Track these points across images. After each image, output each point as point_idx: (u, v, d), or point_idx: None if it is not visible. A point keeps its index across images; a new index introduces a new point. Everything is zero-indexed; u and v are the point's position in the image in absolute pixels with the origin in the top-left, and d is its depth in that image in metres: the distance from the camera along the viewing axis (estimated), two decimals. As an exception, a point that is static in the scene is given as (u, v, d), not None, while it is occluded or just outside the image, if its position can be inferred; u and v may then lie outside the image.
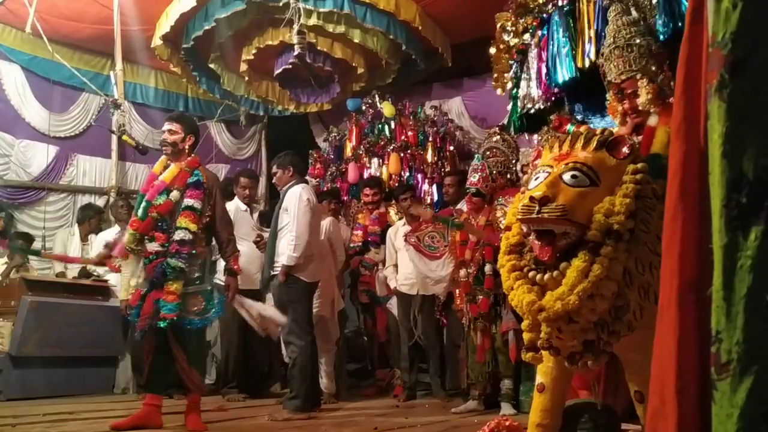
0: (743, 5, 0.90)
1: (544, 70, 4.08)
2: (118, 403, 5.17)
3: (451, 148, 7.10)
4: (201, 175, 4.01)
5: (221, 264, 4.74)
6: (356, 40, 6.77)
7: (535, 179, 2.15)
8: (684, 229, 1.27)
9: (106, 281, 6.30)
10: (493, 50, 4.51)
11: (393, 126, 7.18)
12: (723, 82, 0.92)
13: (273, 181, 4.94)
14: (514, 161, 4.67)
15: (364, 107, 7.43)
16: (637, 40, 2.86)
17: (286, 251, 4.50)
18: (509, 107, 4.58)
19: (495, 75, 4.61)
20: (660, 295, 1.36)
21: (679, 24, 3.00)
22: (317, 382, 4.85)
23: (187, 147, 4.08)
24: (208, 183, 4.04)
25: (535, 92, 4.15)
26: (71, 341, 5.70)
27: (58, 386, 5.62)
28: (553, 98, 4.13)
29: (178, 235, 3.83)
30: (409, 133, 7.05)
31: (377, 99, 7.33)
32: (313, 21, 6.47)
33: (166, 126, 4.11)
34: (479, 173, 4.50)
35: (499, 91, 4.68)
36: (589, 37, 3.75)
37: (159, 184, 3.97)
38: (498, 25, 4.41)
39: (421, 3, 6.77)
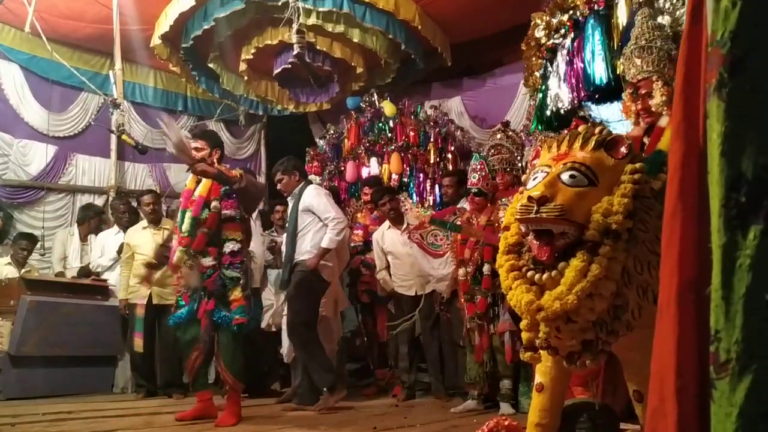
0: (742, 4, 0.90)
1: (578, 73, 4.12)
2: (118, 403, 5.18)
3: (452, 148, 7.09)
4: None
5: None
6: (355, 40, 6.77)
7: (534, 179, 2.15)
8: (683, 228, 1.27)
9: (105, 281, 6.30)
10: (524, 47, 4.54)
11: (393, 125, 7.18)
12: (722, 81, 0.92)
13: (278, 187, 5.01)
14: (519, 158, 4.67)
15: (363, 106, 7.43)
16: (658, 43, 2.90)
17: (327, 234, 4.64)
18: (536, 104, 4.60)
19: (525, 73, 4.64)
20: (659, 294, 1.36)
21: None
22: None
23: (215, 161, 4.21)
24: (239, 183, 4.16)
25: (566, 94, 4.18)
26: (70, 341, 5.71)
27: (58, 386, 5.63)
28: (583, 101, 4.18)
29: (228, 247, 4.04)
30: (411, 133, 7.05)
31: (376, 98, 7.33)
32: (312, 20, 6.47)
33: (192, 144, 4.22)
34: (479, 173, 4.50)
35: (527, 90, 4.72)
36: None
37: (198, 199, 4.11)
38: (532, 23, 4.44)
39: (421, 2, 6.77)
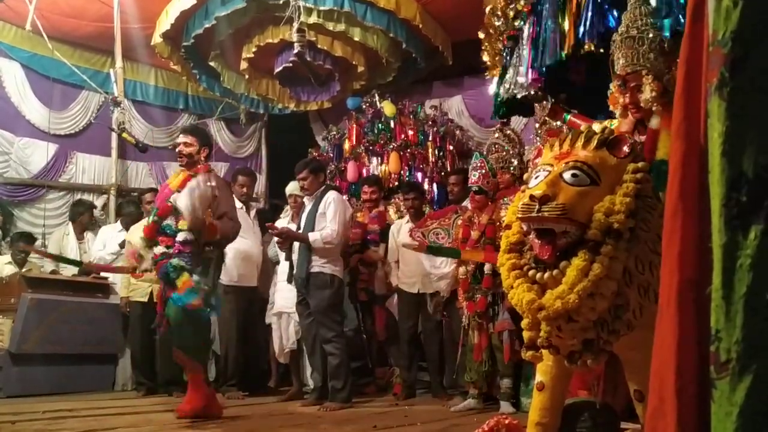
0: (744, 3, 0.90)
1: (534, 57, 3.88)
2: (118, 401, 5.18)
3: (451, 147, 7.09)
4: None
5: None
6: (356, 39, 6.77)
7: (536, 178, 2.15)
8: (684, 227, 1.27)
9: (106, 279, 6.30)
10: (482, 35, 4.42)
11: (393, 125, 7.18)
12: (723, 80, 0.92)
13: (302, 185, 5.08)
14: (516, 156, 4.66)
15: (364, 106, 7.43)
16: (650, 34, 2.73)
17: (318, 232, 4.80)
18: (494, 91, 4.50)
19: (486, 60, 4.53)
20: (660, 293, 1.36)
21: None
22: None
23: (202, 159, 4.14)
24: (216, 190, 4.04)
25: (524, 78, 4.02)
26: (71, 339, 5.71)
27: (58, 383, 5.63)
28: (541, 85, 4.03)
29: (180, 237, 3.92)
30: (410, 132, 7.05)
31: (377, 98, 7.33)
32: (313, 19, 6.47)
33: (181, 138, 4.17)
34: (479, 171, 4.51)
35: (491, 77, 4.63)
36: (576, 21, 3.62)
37: (167, 191, 4.06)
38: (487, 9, 4.29)
39: (422, 1, 6.77)
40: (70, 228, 7.06)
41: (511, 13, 4.11)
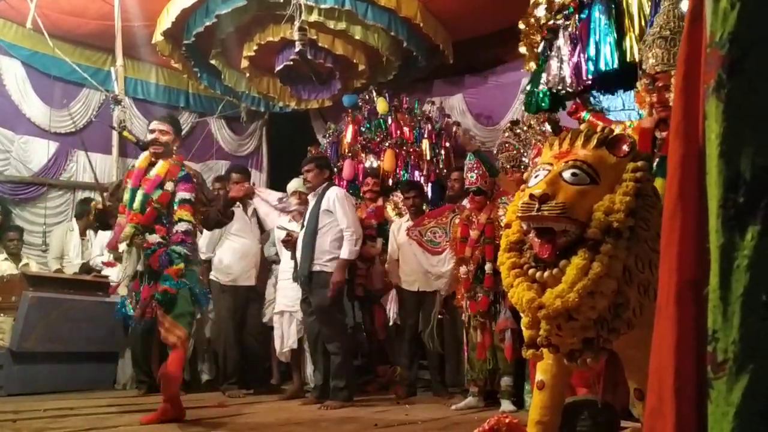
0: (741, 5, 0.90)
1: (582, 56, 4.02)
2: (119, 399, 5.19)
3: (447, 144, 7.07)
4: (187, 170, 4.20)
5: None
6: (357, 37, 6.77)
7: (535, 177, 2.15)
8: (683, 227, 1.27)
9: (106, 277, 6.30)
10: (522, 25, 4.48)
11: (389, 122, 7.17)
12: (720, 82, 0.92)
13: (306, 177, 5.10)
14: (526, 155, 4.66)
15: (360, 103, 7.42)
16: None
17: (345, 246, 4.81)
18: (528, 85, 4.52)
19: (523, 51, 4.57)
20: (658, 293, 1.36)
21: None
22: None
23: (175, 147, 4.28)
24: (197, 178, 4.22)
25: (567, 76, 4.10)
26: (72, 337, 5.71)
27: (59, 382, 5.64)
28: (585, 86, 4.11)
29: (182, 227, 3.99)
30: (405, 129, 7.04)
31: (374, 95, 7.33)
32: (314, 17, 6.47)
33: (158, 125, 4.24)
34: (476, 171, 4.51)
35: (526, 68, 4.68)
36: (641, 30, 3.70)
37: (154, 178, 4.07)
38: (532, 1, 4.37)
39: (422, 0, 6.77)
40: (74, 224, 7.05)
41: (556, 6, 4.15)
